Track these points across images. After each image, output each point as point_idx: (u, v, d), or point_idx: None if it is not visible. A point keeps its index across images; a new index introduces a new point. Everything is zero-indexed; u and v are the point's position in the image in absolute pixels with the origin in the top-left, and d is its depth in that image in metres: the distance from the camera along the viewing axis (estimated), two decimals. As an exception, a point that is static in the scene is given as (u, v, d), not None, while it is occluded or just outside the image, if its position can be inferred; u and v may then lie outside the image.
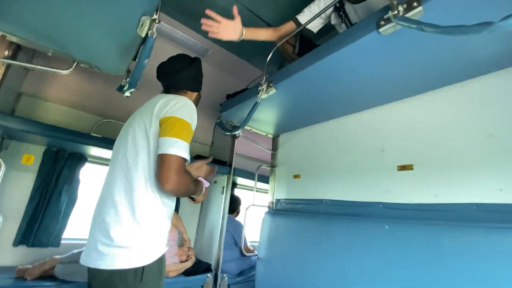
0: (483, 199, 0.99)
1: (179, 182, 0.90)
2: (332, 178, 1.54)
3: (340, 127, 1.57)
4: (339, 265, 1.20)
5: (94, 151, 2.00)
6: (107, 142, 1.84)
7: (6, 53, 1.48)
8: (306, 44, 1.40)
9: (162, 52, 2.12)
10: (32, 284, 1.52)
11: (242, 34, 1.22)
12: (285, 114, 1.70)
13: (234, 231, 2.43)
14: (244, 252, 2.17)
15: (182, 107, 1.00)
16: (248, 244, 2.62)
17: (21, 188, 1.83)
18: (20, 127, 1.53)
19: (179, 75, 1.16)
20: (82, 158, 2.03)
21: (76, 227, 2.09)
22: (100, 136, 1.84)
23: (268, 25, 1.81)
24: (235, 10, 1.17)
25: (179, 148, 0.91)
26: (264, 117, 1.75)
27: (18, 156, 1.85)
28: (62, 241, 1.90)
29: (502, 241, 0.87)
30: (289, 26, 1.33)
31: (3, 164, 1.46)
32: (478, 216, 0.99)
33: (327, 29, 1.46)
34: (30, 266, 1.63)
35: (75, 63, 1.19)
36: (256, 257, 1.75)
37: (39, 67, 1.23)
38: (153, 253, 0.90)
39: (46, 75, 2.02)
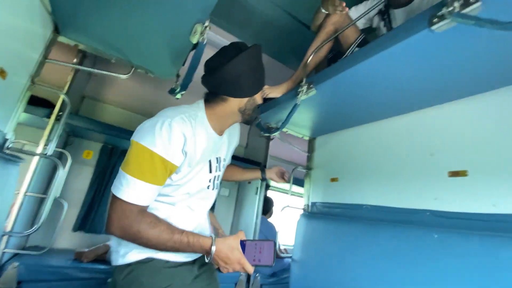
0: (553, 211, 0.88)
1: (120, 231, 0.76)
2: (373, 182, 1.48)
3: (384, 130, 1.51)
4: (382, 273, 1.15)
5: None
6: (154, 141, 2.01)
7: (75, 60, 1.71)
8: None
9: (205, 56, 2.26)
10: (87, 266, 1.70)
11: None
12: (323, 115, 1.68)
13: (267, 232, 2.46)
14: (278, 253, 2.18)
15: (149, 127, 0.81)
16: (281, 246, 2.62)
17: (82, 179, 2.07)
18: (84, 125, 1.74)
19: (213, 76, 0.91)
20: (131, 155, 2.23)
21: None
22: (149, 135, 2.01)
23: (307, 27, 1.82)
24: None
25: (125, 188, 0.76)
26: (301, 119, 1.75)
27: (80, 151, 2.11)
28: (113, 230, 2.10)
29: None
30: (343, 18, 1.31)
31: (69, 157, 1.67)
32: (547, 230, 0.88)
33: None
34: (86, 249, 1.83)
35: (133, 69, 1.33)
36: (290, 259, 1.75)
37: (103, 72, 1.39)
38: (122, 259, 0.86)
39: (104, 80, 2.27)
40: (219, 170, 1.04)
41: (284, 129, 2.06)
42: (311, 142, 2.14)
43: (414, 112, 1.35)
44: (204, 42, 1.00)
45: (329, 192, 1.79)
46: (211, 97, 0.98)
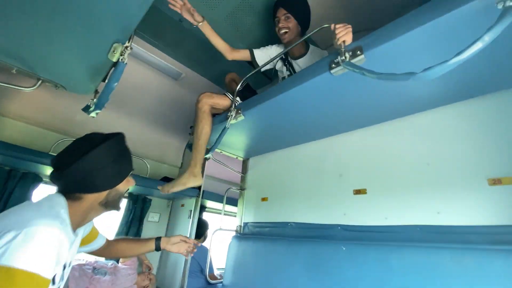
0: (424, 221, 1.11)
1: None
2: (297, 201, 1.61)
3: (304, 153, 1.68)
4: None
5: (50, 171, 1.88)
6: (67, 162, 1.75)
7: (-39, 65, 1.40)
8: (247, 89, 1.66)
9: (135, 73, 2.15)
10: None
11: (202, 22, 1.38)
12: (254, 138, 1.77)
13: (200, 257, 2.34)
14: (209, 280, 2.09)
15: (22, 244, 0.60)
16: (216, 271, 2.53)
17: (-40, 211, 1.64)
18: (-33, 144, 1.41)
19: (61, 174, 0.77)
20: (36, 178, 1.88)
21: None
22: (60, 155, 1.74)
23: None
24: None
25: None
26: (234, 140, 1.80)
27: (-39, 175, 1.68)
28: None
29: (441, 259, 0.97)
30: (244, 53, 1.58)
31: None
32: (421, 237, 1.09)
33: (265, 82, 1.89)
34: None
35: (40, 81, 1.17)
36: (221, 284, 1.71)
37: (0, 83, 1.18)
38: None
39: (5, 89, 1.91)
40: (62, 280, 0.78)
41: (219, 150, 2.07)
42: (244, 163, 2.20)
43: (327, 138, 1.55)
44: (125, 62, 0.96)
45: (260, 211, 1.85)
46: (65, 194, 0.80)
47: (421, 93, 1.11)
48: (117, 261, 2.02)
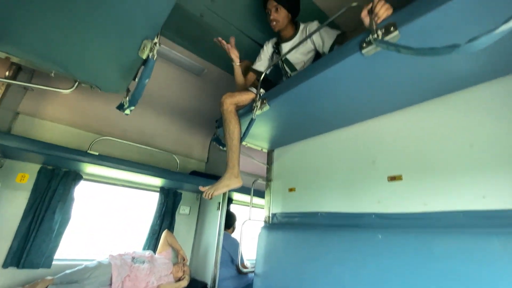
0: (468, 206, 1.04)
1: None
2: (326, 190, 1.58)
3: (332, 140, 1.64)
4: (336, 277, 1.21)
5: (90, 168, 2.01)
6: (104, 160, 1.86)
7: (7, 73, 1.53)
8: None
9: (161, 72, 2.21)
10: (22, 308, 1.47)
11: (237, 63, 1.60)
12: (279, 129, 1.76)
13: (230, 248, 2.40)
14: (241, 268, 2.14)
15: None
16: (245, 262, 2.58)
17: (14, 207, 1.81)
18: (18, 145, 1.54)
19: None
20: (77, 176, 2.03)
21: (68, 247, 2.05)
22: (97, 153, 1.86)
23: (256, 42, 1.92)
24: (232, 40, 1.52)
25: None
26: (259, 132, 1.80)
27: (12, 174, 1.85)
28: (54, 262, 1.86)
29: (489, 244, 0.91)
30: (251, 76, 1.73)
31: (-2, 183, 1.46)
32: (465, 223, 1.03)
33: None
34: (20, 288, 1.58)
35: (77, 83, 1.24)
36: (253, 274, 1.74)
37: (40, 86, 1.27)
38: None
39: (43, 94, 2.06)
40: None
41: (244, 143, 2.09)
42: (269, 154, 2.20)
43: (357, 124, 1.50)
44: (154, 58, 0.98)
45: (288, 202, 1.85)
46: None
47: (462, 69, 1.03)
48: (154, 252, 2.12)
